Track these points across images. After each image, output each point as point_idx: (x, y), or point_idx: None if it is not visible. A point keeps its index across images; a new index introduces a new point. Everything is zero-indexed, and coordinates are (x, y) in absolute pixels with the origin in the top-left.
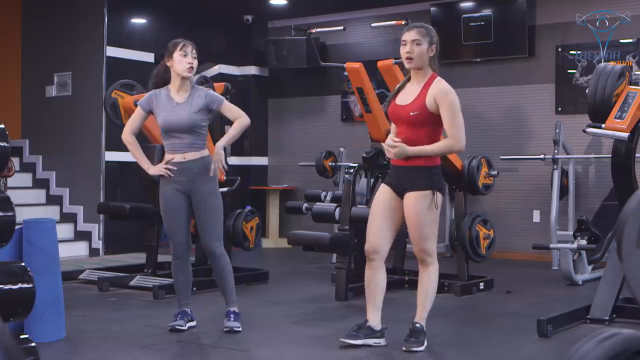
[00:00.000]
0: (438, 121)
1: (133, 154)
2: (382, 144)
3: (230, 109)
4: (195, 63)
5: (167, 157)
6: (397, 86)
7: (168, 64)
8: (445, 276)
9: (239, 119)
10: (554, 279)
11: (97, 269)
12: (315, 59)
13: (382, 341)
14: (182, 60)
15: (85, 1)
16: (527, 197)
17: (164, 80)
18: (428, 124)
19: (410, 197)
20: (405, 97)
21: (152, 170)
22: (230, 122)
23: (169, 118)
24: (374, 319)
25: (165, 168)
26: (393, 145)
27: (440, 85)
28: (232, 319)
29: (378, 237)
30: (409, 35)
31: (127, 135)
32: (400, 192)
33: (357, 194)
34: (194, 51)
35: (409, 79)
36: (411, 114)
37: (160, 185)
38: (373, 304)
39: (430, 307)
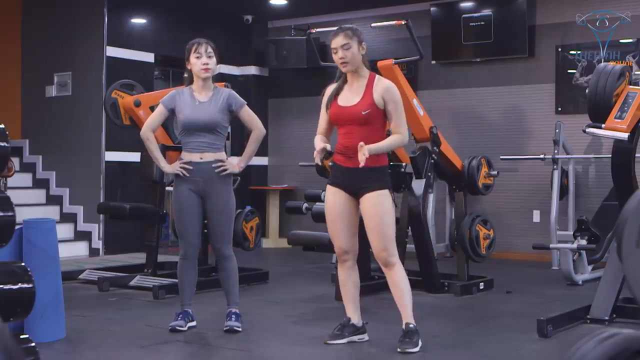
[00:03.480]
0: (383, 118)
1: (150, 152)
2: (320, 149)
3: (248, 115)
4: (212, 62)
5: (184, 156)
6: (334, 88)
7: (187, 66)
8: (445, 276)
9: (255, 133)
10: (554, 279)
11: (97, 269)
12: (315, 59)
13: (365, 336)
14: (197, 62)
15: (85, 1)
16: (527, 197)
17: (192, 80)
18: (376, 121)
19: (370, 199)
20: (349, 98)
21: (168, 168)
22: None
23: (191, 116)
24: (355, 316)
25: (181, 167)
26: (362, 150)
27: (384, 82)
28: (232, 319)
29: (344, 239)
30: (337, 42)
31: (147, 133)
32: (353, 192)
33: None
34: (208, 50)
35: (344, 81)
36: (363, 113)
37: (174, 184)
38: (352, 301)
39: (411, 303)
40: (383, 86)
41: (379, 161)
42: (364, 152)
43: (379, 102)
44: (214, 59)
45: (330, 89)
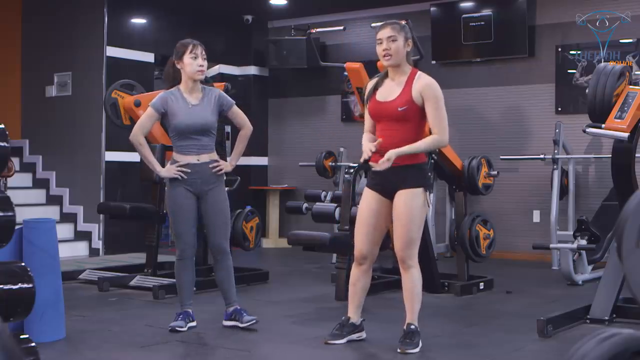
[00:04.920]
0: (423, 115)
1: (143, 155)
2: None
3: (237, 114)
4: (205, 64)
5: (179, 158)
6: (373, 83)
7: (178, 66)
8: (445, 276)
9: (245, 131)
10: (554, 279)
11: (97, 269)
12: (315, 59)
13: (363, 334)
14: (193, 62)
15: (85, 1)
16: (527, 197)
17: (176, 81)
18: (415, 118)
19: (403, 195)
20: (388, 94)
21: (164, 172)
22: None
23: (186, 120)
24: (355, 315)
25: (179, 170)
26: (385, 160)
27: (424, 79)
28: (244, 314)
29: (367, 244)
30: (383, 33)
31: (138, 136)
32: (389, 193)
33: (357, 194)
34: (203, 52)
35: (385, 76)
36: (399, 109)
37: (169, 186)
38: (356, 302)
39: (419, 308)
40: (423, 82)
41: (417, 158)
42: (389, 157)
43: (417, 99)
44: (206, 62)
45: (370, 84)
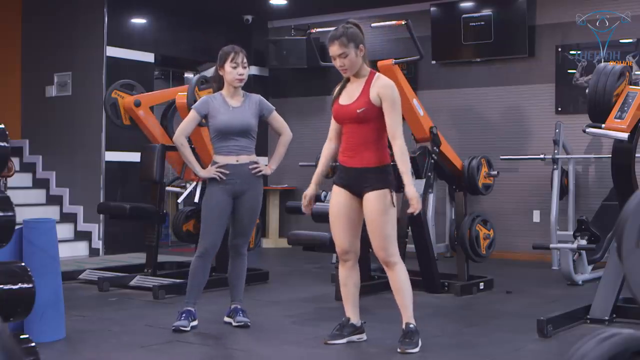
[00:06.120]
0: (382, 116)
1: (185, 157)
2: None
3: (277, 120)
4: (246, 72)
5: (219, 159)
6: (338, 88)
7: (220, 72)
8: (445, 276)
9: (284, 137)
10: (554, 279)
11: (97, 269)
12: (315, 59)
13: (364, 336)
14: (233, 71)
15: (85, 1)
16: (527, 197)
17: (221, 85)
18: (374, 119)
19: (371, 197)
20: (349, 97)
21: (203, 173)
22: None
23: (227, 121)
24: (354, 316)
25: (218, 171)
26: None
27: (382, 80)
28: (241, 314)
29: (346, 239)
30: (333, 51)
31: (181, 138)
32: (357, 192)
33: None
34: (244, 60)
35: (347, 80)
36: (358, 111)
37: (208, 185)
38: (351, 301)
39: (412, 304)
40: (380, 84)
41: (382, 161)
42: (415, 208)
43: (375, 100)
44: (247, 69)
45: (336, 89)
